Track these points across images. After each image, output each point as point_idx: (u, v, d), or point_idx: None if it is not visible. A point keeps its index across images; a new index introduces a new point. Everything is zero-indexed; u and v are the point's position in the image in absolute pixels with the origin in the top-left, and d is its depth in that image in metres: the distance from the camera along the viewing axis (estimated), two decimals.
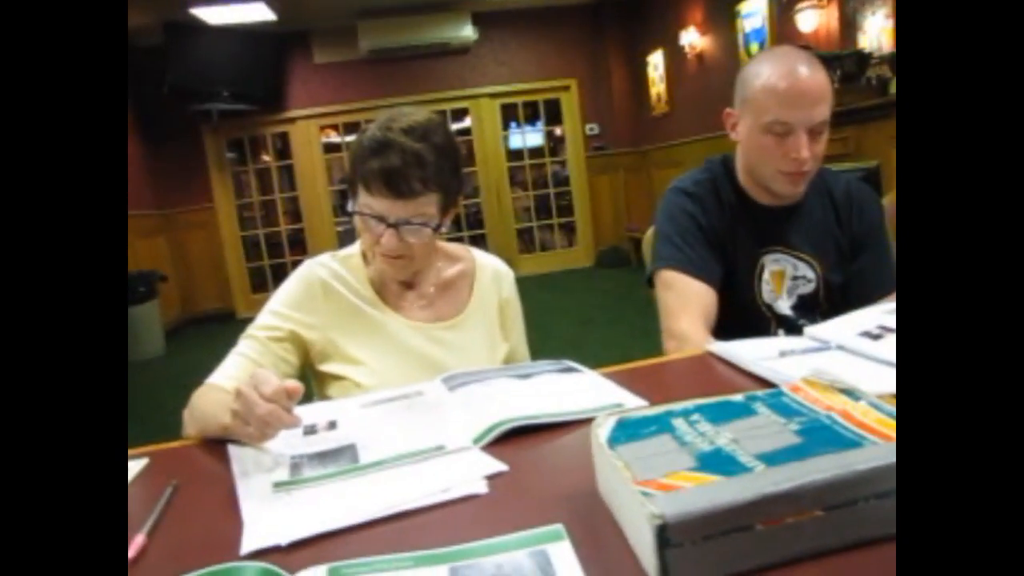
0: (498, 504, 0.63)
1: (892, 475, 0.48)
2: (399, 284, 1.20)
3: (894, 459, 0.48)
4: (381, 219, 1.07)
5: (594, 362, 1.03)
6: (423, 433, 0.81)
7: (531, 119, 7.85)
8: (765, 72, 1.21)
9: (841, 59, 3.94)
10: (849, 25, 4.49)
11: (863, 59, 3.97)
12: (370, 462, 0.75)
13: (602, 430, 0.58)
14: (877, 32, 4.27)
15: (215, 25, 6.07)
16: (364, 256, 1.21)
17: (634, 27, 7.42)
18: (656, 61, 7.07)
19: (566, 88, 7.66)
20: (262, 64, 6.52)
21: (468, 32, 7.00)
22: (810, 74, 1.18)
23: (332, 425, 0.88)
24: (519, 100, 7.66)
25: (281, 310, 1.14)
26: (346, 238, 1.30)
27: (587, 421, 0.76)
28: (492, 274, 1.27)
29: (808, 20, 4.77)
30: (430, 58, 7.26)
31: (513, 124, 7.78)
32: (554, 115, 7.77)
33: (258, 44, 6.42)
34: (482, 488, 0.66)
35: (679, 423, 0.58)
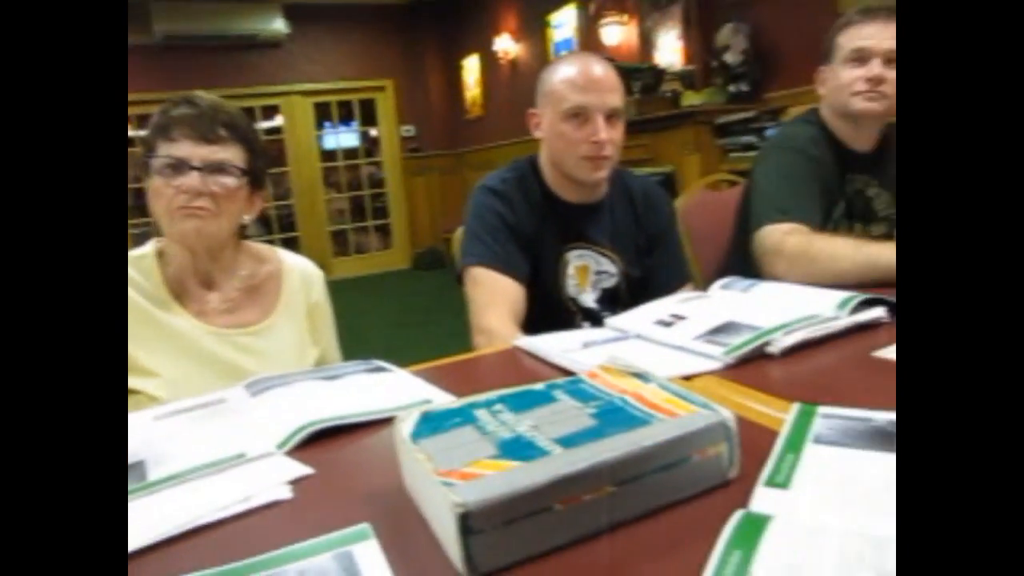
0: (304, 509, 0.61)
1: (674, 448, 0.52)
2: (199, 285, 1.12)
3: (677, 433, 0.52)
4: (183, 163, 1.02)
5: (410, 364, 1.03)
6: (223, 442, 0.75)
7: (345, 119, 7.68)
8: (562, 68, 1.32)
9: (640, 72, 4.23)
10: (647, 42, 4.84)
11: (659, 74, 4.30)
12: (160, 478, 0.68)
13: (405, 425, 0.58)
14: (670, 50, 4.64)
15: None
16: (159, 254, 1.11)
17: (450, 31, 7.50)
18: (471, 65, 7.21)
19: (381, 88, 7.58)
20: None
21: (279, 25, 6.71)
22: (602, 68, 1.31)
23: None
24: (333, 99, 7.48)
25: None
26: (139, 241, 1.18)
27: (393, 419, 0.76)
28: (300, 277, 1.22)
29: (612, 34, 5.09)
30: (236, 50, 6.86)
31: (327, 124, 7.58)
32: (369, 116, 7.67)
33: None
34: (286, 493, 0.62)
35: (482, 414, 0.59)
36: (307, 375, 0.96)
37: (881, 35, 1.42)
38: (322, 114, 7.47)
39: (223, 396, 0.92)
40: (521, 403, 0.61)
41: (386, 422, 0.77)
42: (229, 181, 1.07)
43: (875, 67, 1.42)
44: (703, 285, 1.54)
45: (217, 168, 1.05)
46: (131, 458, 0.74)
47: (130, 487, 0.67)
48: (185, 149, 1.03)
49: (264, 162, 1.14)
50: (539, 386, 0.65)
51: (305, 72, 7.21)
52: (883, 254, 1.16)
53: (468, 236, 1.35)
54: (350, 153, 7.68)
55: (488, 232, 1.31)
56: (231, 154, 1.07)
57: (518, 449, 0.52)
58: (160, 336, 1.07)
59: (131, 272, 1.09)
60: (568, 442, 0.52)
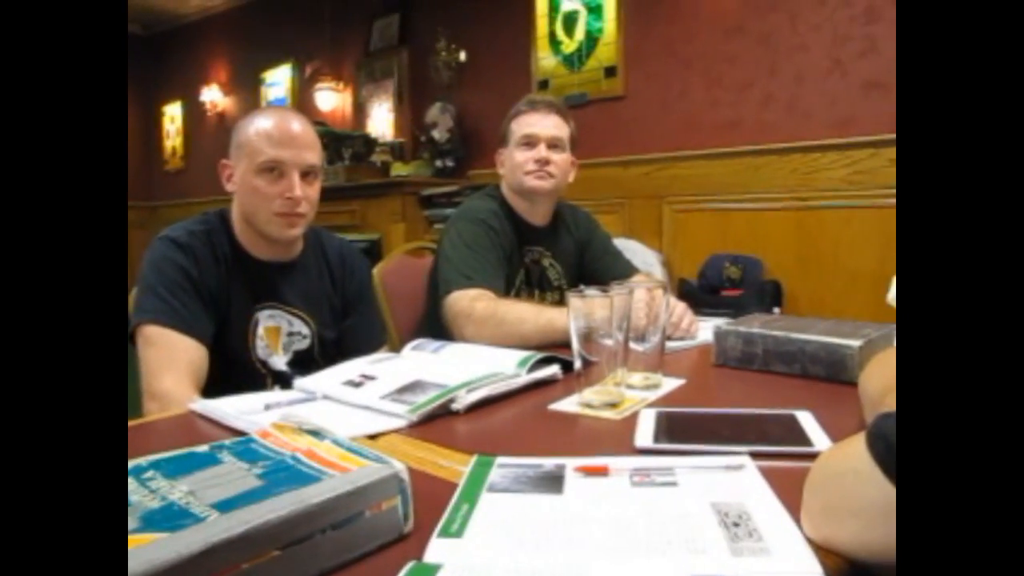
0: None
1: (346, 505, 0.49)
2: None
3: (347, 488, 0.50)
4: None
5: None
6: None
7: None
8: (258, 120, 1.27)
9: (352, 139, 4.28)
10: (360, 111, 4.93)
11: (370, 142, 4.38)
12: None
13: None
14: (383, 122, 4.77)
15: None
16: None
17: (150, 72, 6.90)
18: (174, 113, 6.70)
19: None
20: None
21: None
22: (300, 124, 1.29)
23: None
24: None
25: None
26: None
27: None
28: None
29: (326, 99, 5.10)
30: None
31: None
32: None
33: None
34: None
35: (129, 483, 0.52)
36: None
37: (543, 123, 1.66)
38: None
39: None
40: (179, 468, 0.54)
41: None
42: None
43: (542, 150, 1.64)
44: (400, 347, 1.56)
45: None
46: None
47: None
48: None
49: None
50: (203, 448, 0.59)
51: None
52: (559, 318, 1.27)
53: (143, 291, 1.21)
54: None
55: (166, 287, 1.19)
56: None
57: (166, 519, 0.46)
58: None
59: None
60: (227, 506, 0.47)
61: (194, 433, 0.88)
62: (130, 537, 0.44)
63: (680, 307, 1.38)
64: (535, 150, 1.64)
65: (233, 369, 1.23)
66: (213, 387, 1.15)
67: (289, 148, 1.24)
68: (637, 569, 0.48)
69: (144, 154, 7.01)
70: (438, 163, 4.13)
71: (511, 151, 1.68)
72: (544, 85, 3.83)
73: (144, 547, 0.42)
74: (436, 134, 4.13)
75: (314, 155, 1.28)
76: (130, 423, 0.95)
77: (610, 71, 3.57)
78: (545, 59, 3.83)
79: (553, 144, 1.65)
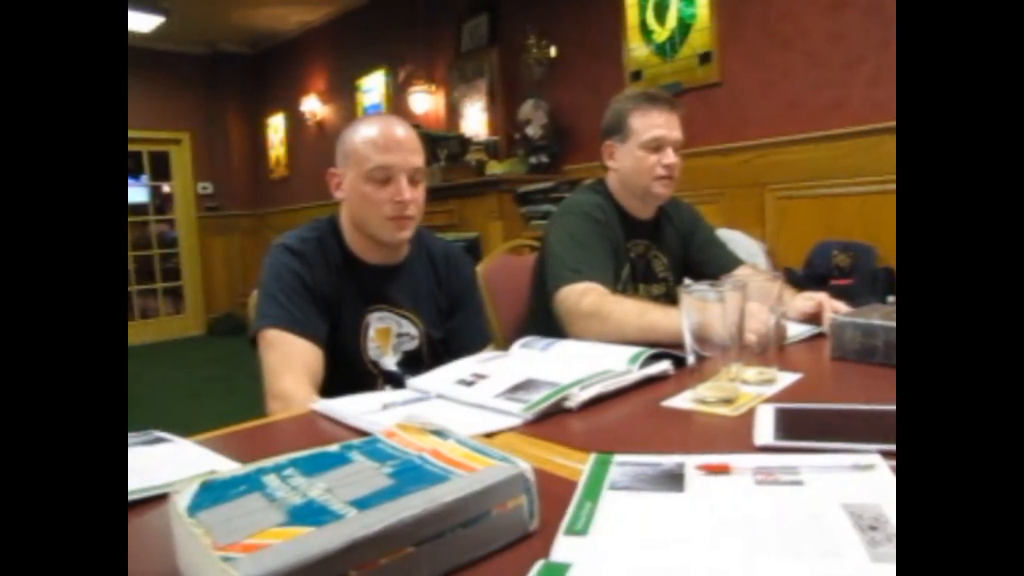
0: None
1: (475, 504, 0.51)
2: None
3: (475, 488, 0.51)
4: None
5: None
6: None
7: (135, 172, 7.11)
8: (363, 129, 1.31)
9: (447, 140, 4.36)
10: (454, 111, 5.01)
11: (465, 142, 4.45)
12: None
13: (181, 498, 0.52)
14: (476, 121, 4.83)
15: None
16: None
17: (255, 87, 7.27)
18: (277, 124, 7.02)
19: (177, 142, 7.13)
20: None
21: None
22: (404, 129, 1.32)
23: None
24: None
25: None
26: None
27: (162, 497, 0.68)
28: None
29: (420, 102, 5.21)
30: None
31: None
32: (162, 170, 7.16)
33: None
34: None
35: (270, 479, 0.55)
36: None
37: (671, 125, 1.62)
38: None
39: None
40: (314, 466, 0.57)
41: (160, 499, 0.69)
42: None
43: (670, 155, 1.60)
44: (504, 345, 1.57)
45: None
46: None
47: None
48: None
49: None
50: (334, 448, 0.61)
51: None
52: (663, 320, 1.25)
53: (263, 297, 1.28)
54: (139, 209, 7.10)
55: (284, 293, 1.25)
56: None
57: (309, 515, 0.48)
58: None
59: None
60: (363, 504, 0.49)
61: (316, 432, 0.93)
62: (278, 530, 0.46)
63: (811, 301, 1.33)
64: (663, 154, 1.61)
65: (346, 369, 1.28)
66: (328, 387, 1.20)
67: (395, 153, 1.27)
68: (772, 572, 0.47)
69: (252, 165, 7.37)
70: (532, 160, 4.15)
71: (632, 149, 1.63)
72: (636, 76, 3.77)
73: (293, 541, 0.44)
74: (530, 131, 4.15)
75: (419, 158, 1.31)
76: (255, 423, 1.01)
77: (705, 57, 3.48)
78: (637, 49, 3.77)
79: (677, 147, 1.63)
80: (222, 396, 4.55)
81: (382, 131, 1.29)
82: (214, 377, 5.19)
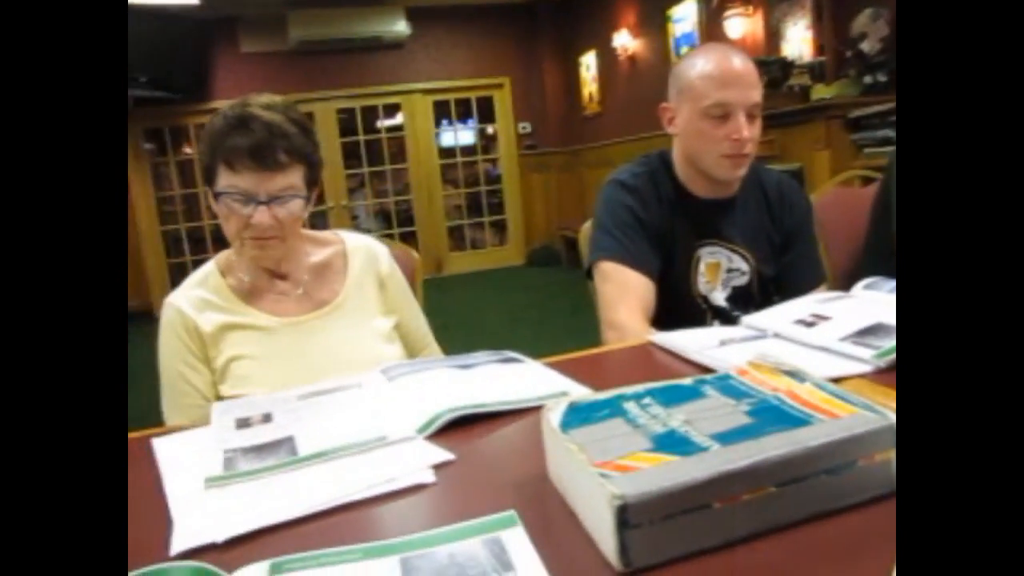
0: (446, 493, 0.62)
1: (840, 451, 0.49)
2: (270, 278, 1.16)
3: (843, 435, 0.49)
4: (250, 197, 1.04)
5: (530, 358, 1.02)
6: (364, 424, 0.78)
7: (463, 117, 7.81)
8: (700, 62, 1.26)
9: (767, 65, 4.07)
10: (774, 34, 4.65)
11: (787, 66, 4.12)
12: (310, 454, 0.71)
13: (553, 415, 0.57)
14: (799, 42, 4.43)
15: (132, 4, 5.79)
16: (224, 267, 1.17)
17: (568, 28, 7.48)
18: (589, 62, 7.16)
19: (499, 86, 7.66)
20: (184, 51, 6.24)
21: (401, 27, 6.90)
22: (742, 61, 1.25)
23: (267, 418, 0.83)
24: (452, 97, 7.61)
25: (173, 367, 1.12)
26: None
27: (533, 409, 0.76)
28: (365, 254, 1.25)
29: (736, 27, 4.92)
30: (362, 52, 7.13)
31: (445, 121, 7.73)
32: (487, 113, 7.76)
33: (180, 29, 6.14)
34: (429, 477, 0.64)
35: (631, 406, 0.58)
36: (441, 363, 0.98)
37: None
38: (441, 112, 7.63)
39: (359, 380, 0.95)
40: (671, 397, 0.59)
41: (525, 412, 0.77)
42: (295, 207, 1.07)
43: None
44: (836, 285, 1.45)
45: (282, 197, 1.06)
46: (280, 433, 0.78)
47: (282, 460, 0.70)
48: (249, 181, 1.03)
49: (319, 157, 1.15)
50: (687, 381, 0.63)
51: (425, 71, 7.39)
52: None
53: (598, 230, 1.33)
54: (467, 150, 7.81)
55: (618, 227, 1.29)
56: (294, 179, 1.06)
57: (673, 444, 0.50)
58: (249, 341, 1.13)
59: (203, 294, 1.14)
60: (725, 439, 0.50)
61: (652, 363, 0.96)
62: (646, 455, 0.49)
63: None
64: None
65: (676, 303, 1.30)
66: (657, 320, 1.23)
67: (734, 88, 1.22)
68: None
69: (566, 103, 7.65)
70: (867, 79, 3.70)
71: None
72: None
73: (663, 467, 0.47)
74: (865, 46, 3.69)
75: (758, 92, 1.25)
76: (595, 350, 1.07)
77: None
78: None
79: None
80: (539, 322, 4.90)
81: (720, 65, 1.23)
82: (532, 304, 5.60)
